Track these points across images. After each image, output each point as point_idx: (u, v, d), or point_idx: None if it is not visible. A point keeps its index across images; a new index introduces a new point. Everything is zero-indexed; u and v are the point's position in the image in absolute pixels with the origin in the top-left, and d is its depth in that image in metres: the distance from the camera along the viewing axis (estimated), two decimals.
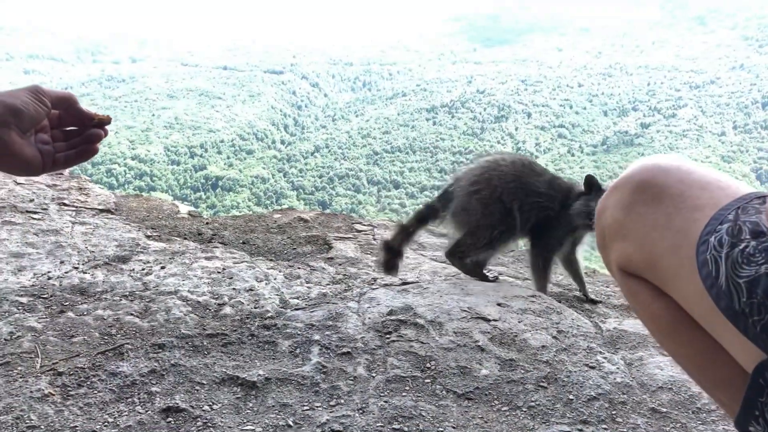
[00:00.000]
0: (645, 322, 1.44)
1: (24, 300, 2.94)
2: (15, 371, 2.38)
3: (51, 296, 3.01)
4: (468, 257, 3.31)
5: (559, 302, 2.95)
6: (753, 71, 79.37)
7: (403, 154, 70.78)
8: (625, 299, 1.51)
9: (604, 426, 2.08)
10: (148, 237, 3.83)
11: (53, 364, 2.43)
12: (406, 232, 3.41)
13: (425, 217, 3.44)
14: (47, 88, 1.28)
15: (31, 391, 2.15)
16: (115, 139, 65.87)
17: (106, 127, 1.41)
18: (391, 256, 3.32)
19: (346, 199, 62.98)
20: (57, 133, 1.36)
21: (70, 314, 2.84)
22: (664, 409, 2.17)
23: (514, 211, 3.19)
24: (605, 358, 2.46)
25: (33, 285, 3.10)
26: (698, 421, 2.13)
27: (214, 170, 65.24)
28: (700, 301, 1.19)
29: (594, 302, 3.21)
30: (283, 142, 75.00)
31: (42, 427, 1.99)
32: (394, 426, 2.05)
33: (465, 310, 2.74)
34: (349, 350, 2.45)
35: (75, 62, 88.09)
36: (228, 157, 69.03)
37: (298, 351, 2.45)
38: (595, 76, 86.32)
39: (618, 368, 2.39)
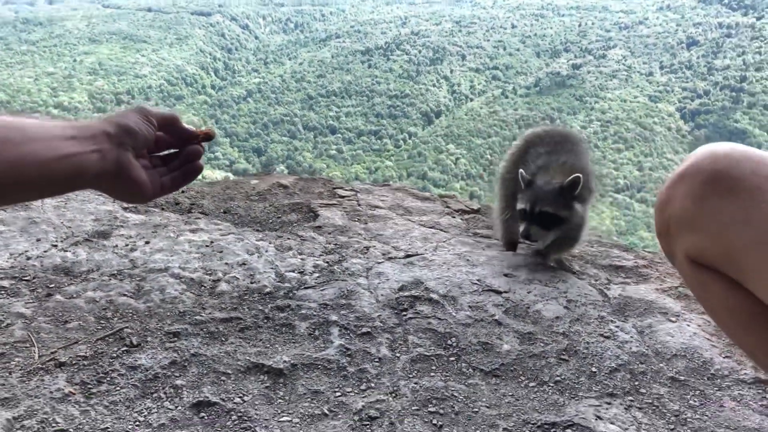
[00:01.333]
0: (715, 314, 1.46)
1: (5, 283, 2.79)
2: (13, 363, 2.27)
3: (34, 278, 2.86)
4: None
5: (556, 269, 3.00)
6: (679, 11, 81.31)
7: (339, 99, 70.00)
8: (690, 288, 1.53)
9: (630, 398, 2.15)
10: (124, 209, 3.66)
11: (52, 353, 2.32)
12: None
13: None
14: (152, 108, 1.19)
15: (51, 391, 2.05)
16: (35, 86, 62.49)
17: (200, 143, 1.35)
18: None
19: (282, 146, 62.14)
20: (153, 158, 1.28)
21: (59, 297, 2.71)
22: (682, 377, 2.26)
23: None
24: (617, 326, 2.52)
25: (12, 266, 2.93)
26: (714, 387, 2.22)
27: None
28: None
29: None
30: (213, 87, 72.90)
31: (71, 430, 1.91)
32: (429, 409, 2.06)
33: (475, 283, 2.75)
34: (369, 330, 2.44)
35: None
36: (156, 104, 66.59)
37: (317, 333, 2.42)
38: (528, 17, 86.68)
39: (632, 337, 2.46)
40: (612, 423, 2.02)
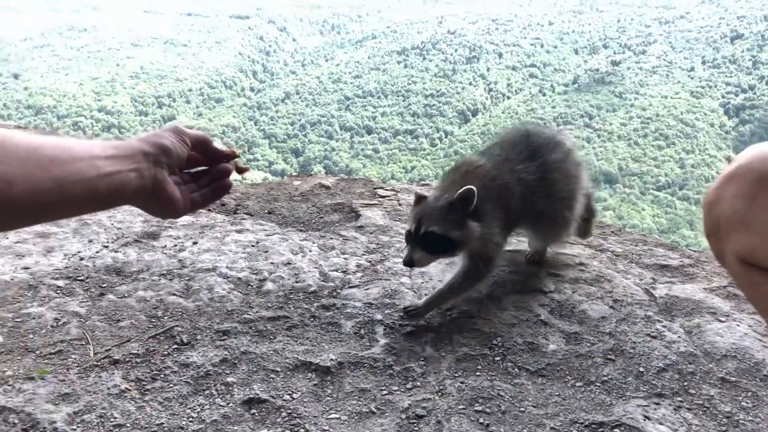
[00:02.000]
0: None
1: (60, 283, 2.88)
2: (70, 360, 2.35)
3: (87, 278, 2.95)
4: None
5: (607, 269, 2.97)
6: (722, 5, 79.39)
7: (375, 99, 70.11)
8: (740, 288, 1.52)
9: (679, 398, 2.13)
10: None
11: (107, 351, 2.40)
12: None
13: None
14: (186, 129, 1.25)
15: (108, 387, 2.12)
16: (79, 91, 64.07)
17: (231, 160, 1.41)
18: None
19: (319, 146, 62.49)
20: (184, 175, 1.34)
21: (111, 296, 2.79)
22: (733, 378, 2.22)
23: None
24: (664, 326, 2.50)
25: (66, 267, 3.03)
26: None
27: (183, 120, 64.09)
28: None
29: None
30: (252, 90, 73.69)
31: (128, 425, 1.97)
32: (475, 408, 2.07)
33: (519, 283, 2.75)
34: (413, 329, 2.46)
35: (31, 12, 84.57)
36: (197, 107, 67.80)
37: (362, 332, 2.45)
38: (566, 13, 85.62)
39: (679, 337, 2.44)
40: (661, 423, 2.01)
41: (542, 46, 78.69)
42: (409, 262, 2.41)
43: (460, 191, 2.37)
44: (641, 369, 2.26)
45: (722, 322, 2.53)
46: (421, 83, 71.97)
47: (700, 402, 2.12)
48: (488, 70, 74.45)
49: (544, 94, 69.83)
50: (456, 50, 76.81)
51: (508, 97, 71.14)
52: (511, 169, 2.60)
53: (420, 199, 2.53)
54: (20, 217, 1.08)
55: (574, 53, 77.80)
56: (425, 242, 2.40)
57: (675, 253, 3.36)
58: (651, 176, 52.89)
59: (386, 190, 4.23)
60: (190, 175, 1.36)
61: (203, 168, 1.38)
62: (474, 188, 2.36)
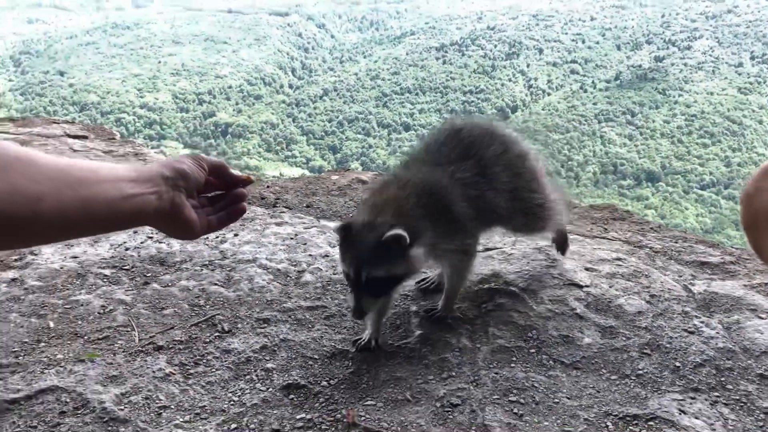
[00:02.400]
0: None
1: (107, 272, 2.99)
2: (116, 345, 2.44)
3: (132, 267, 3.05)
4: None
5: (646, 265, 2.96)
6: None
7: (413, 96, 69.98)
8: None
9: (715, 393, 2.12)
10: None
11: (151, 337, 2.49)
12: None
13: None
14: (204, 156, 1.36)
15: (153, 371, 2.21)
16: (122, 87, 65.42)
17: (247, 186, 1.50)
18: None
19: (357, 143, 62.67)
20: (201, 198, 1.42)
21: (155, 285, 2.88)
22: None
23: None
24: (702, 322, 2.48)
25: (112, 257, 3.13)
26: None
27: (223, 117, 64.94)
28: None
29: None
30: (291, 86, 74.22)
31: (172, 407, 2.05)
32: (510, 398, 2.10)
33: (556, 277, 2.76)
34: (449, 321, 2.49)
35: (79, 10, 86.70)
36: (237, 103, 68.56)
37: (398, 322, 2.50)
38: (608, 8, 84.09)
39: (717, 333, 2.42)
40: (696, 418, 2.01)
41: (584, 41, 77.51)
42: (360, 314, 2.18)
43: (387, 235, 2.09)
44: (677, 364, 2.26)
45: (763, 319, 2.50)
46: (460, 80, 71.58)
47: (737, 398, 2.11)
48: (528, 66, 73.65)
49: (585, 91, 68.79)
50: (495, 46, 76.15)
51: (549, 94, 70.29)
52: (443, 173, 2.37)
53: (345, 230, 2.21)
54: (47, 234, 1.16)
55: (616, 49, 76.43)
56: (370, 288, 2.15)
57: (716, 250, 3.32)
58: (695, 174, 51.69)
59: None
60: (207, 199, 1.44)
61: (220, 192, 1.46)
62: (403, 234, 2.09)
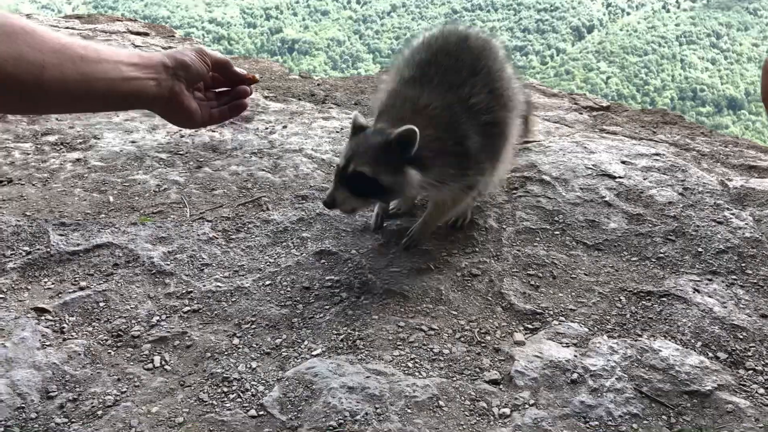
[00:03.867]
0: None
1: (163, 156, 3.17)
2: (169, 218, 2.64)
3: (186, 153, 3.23)
4: None
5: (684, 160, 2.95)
6: None
7: (485, 13, 67.69)
8: None
9: (733, 276, 2.16)
10: (265, 98, 3.98)
11: (201, 213, 2.67)
12: None
13: None
14: (209, 50, 1.45)
15: (198, 235, 2.40)
16: (191, 2, 65.74)
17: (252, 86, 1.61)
18: None
19: None
20: (209, 93, 1.53)
21: (207, 169, 3.05)
22: None
23: None
24: (733, 214, 2.49)
25: (168, 142, 3.31)
26: None
27: (290, 33, 64.64)
28: None
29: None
30: (358, 2, 72.84)
31: (213, 264, 2.24)
32: (528, 272, 2.20)
33: (590, 168, 2.79)
34: (478, 203, 2.58)
35: None
36: (303, 19, 67.98)
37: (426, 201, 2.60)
38: None
39: (747, 224, 2.43)
40: (710, 297, 2.06)
41: None
42: (331, 203, 2.10)
43: (399, 130, 2.01)
44: (700, 249, 2.29)
45: None
46: None
47: (755, 281, 2.14)
48: None
49: (668, 11, 64.98)
50: None
51: (628, 13, 66.74)
52: (458, 100, 2.18)
53: (358, 129, 2.16)
54: (48, 103, 1.25)
55: None
56: (351, 182, 2.07)
57: (767, 155, 3.26)
58: None
59: None
60: (214, 94, 1.55)
61: (228, 89, 1.57)
62: (415, 129, 1.98)
